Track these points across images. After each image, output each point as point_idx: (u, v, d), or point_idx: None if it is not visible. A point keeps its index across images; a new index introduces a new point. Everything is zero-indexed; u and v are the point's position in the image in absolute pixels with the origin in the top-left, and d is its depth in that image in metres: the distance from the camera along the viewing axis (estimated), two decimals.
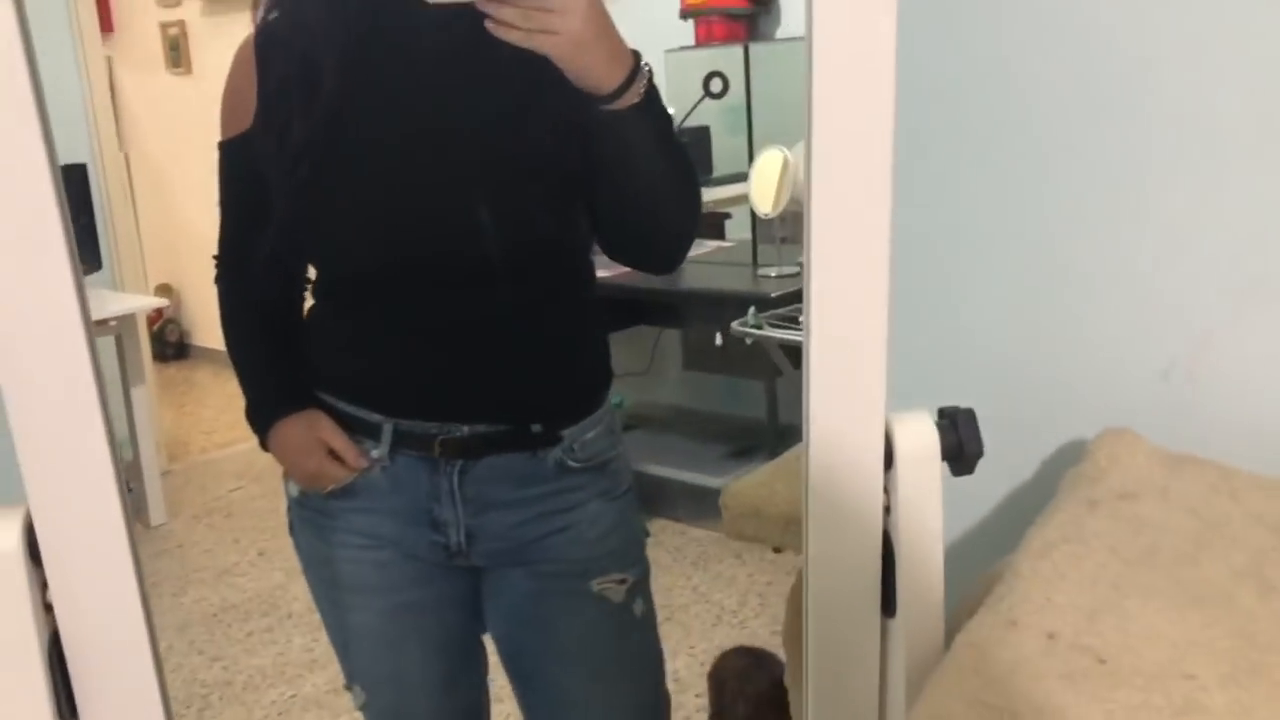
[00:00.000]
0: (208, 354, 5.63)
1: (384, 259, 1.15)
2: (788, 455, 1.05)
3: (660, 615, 1.36)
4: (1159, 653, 0.72)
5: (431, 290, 1.14)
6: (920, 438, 0.78)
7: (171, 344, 5.72)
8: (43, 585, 0.72)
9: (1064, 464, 0.98)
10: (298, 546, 1.31)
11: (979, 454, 0.79)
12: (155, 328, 5.44)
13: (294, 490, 1.28)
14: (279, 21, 1.16)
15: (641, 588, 1.29)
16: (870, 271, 0.75)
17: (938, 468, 0.79)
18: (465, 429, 1.17)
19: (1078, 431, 1.00)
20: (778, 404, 3.20)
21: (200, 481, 4.08)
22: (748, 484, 0.97)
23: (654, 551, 1.34)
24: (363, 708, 1.33)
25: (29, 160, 0.65)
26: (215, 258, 1.28)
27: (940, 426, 0.79)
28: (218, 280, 1.28)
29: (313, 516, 1.26)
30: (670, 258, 1.20)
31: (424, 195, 1.12)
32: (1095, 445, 0.93)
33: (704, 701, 2.49)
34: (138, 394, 3.58)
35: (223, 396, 5.14)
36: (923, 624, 0.80)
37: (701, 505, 3.38)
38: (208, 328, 5.66)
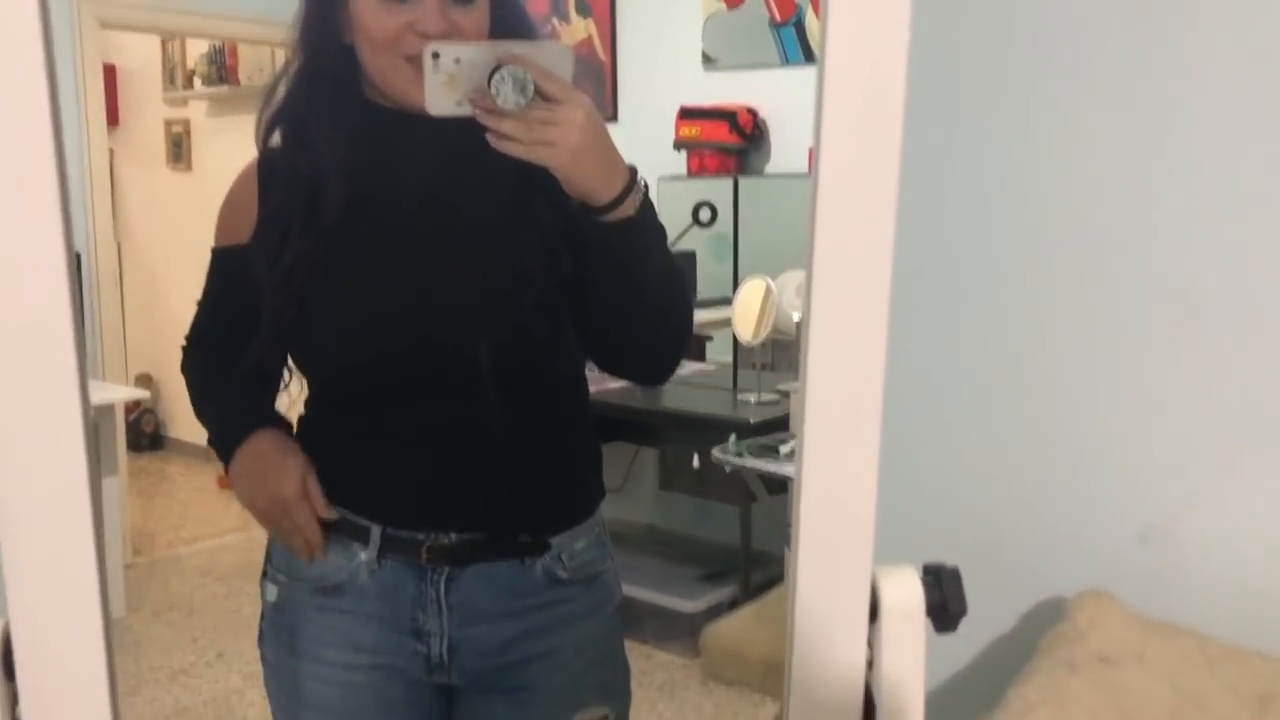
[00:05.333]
0: (182, 447, 5.59)
1: (373, 367, 1.16)
2: (767, 598, 1.05)
3: None
4: None
5: (419, 399, 1.15)
6: (905, 593, 0.79)
7: (147, 434, 5.67)
8: (13, 700, 0.71)
9: (1043, 621, 0.99)
10: (264, 659, 1.27)
11: (962, 612, 0.80)
12: (131, 417, 5.40)
13: (271, 594, 1.25)
14: (283, 143, 1.19)
15: None
16: (863, 434, 0.77)
17: (921, 623, 0.80)
18: (452, 536, 1.17)
19: (1057, 590, 1.01)
20: (751, 530, 3.19)
21: (164, 577, 4.01)
22: (728, 626, 0.97)
23: None
24: None
25: (48, 249, 0.67)
26: (184, 343, 1.29)
27: (925, 583, 0.80)
28: (183, 364, 1.29)
29: (288, 622, 1.23)
30: (660, 369, 1.21)
31: (415, 305, 1.14)
32: (1075, 606, 0.94)
33: None
34: (109, 485, 3.55)
35: (193, 490, 5.08)
36: None
37: (671, 628, 3.34)
38: (185, 420, 5.63)
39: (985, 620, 0.98)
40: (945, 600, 0.79)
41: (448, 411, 1.15)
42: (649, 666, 3.24)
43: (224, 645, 3.41)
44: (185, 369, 1.30)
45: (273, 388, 1.26)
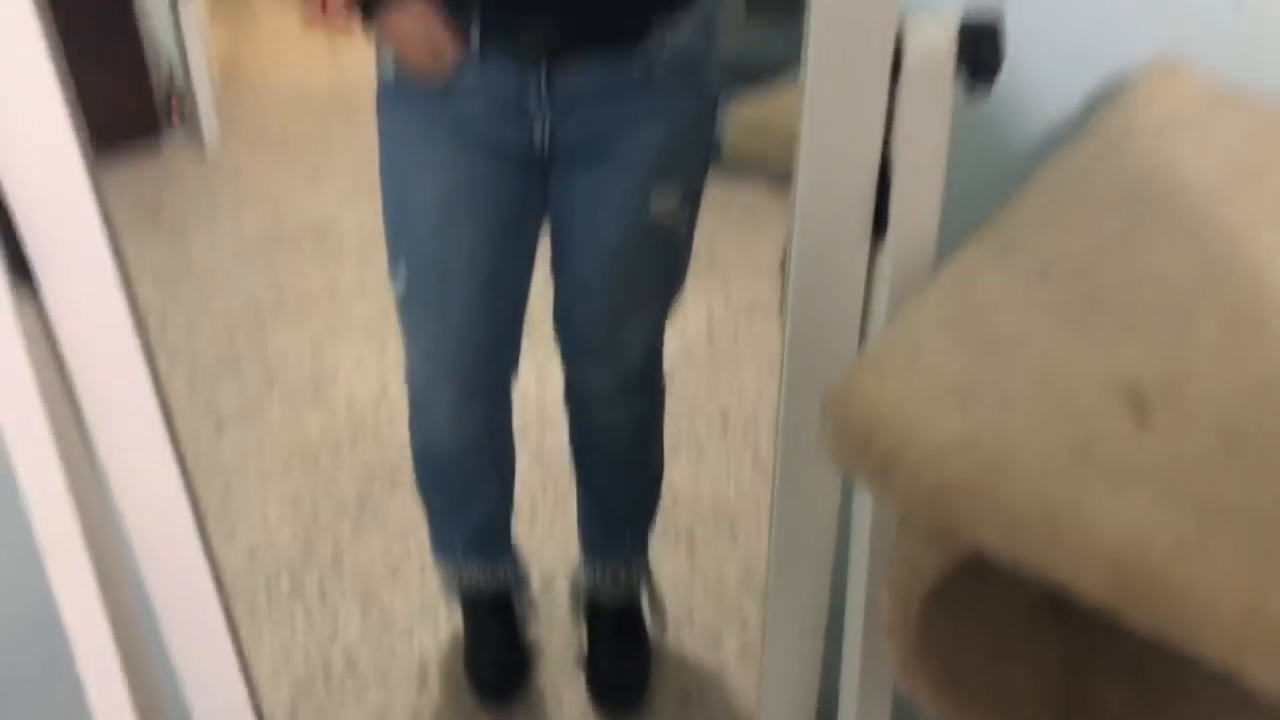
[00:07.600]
0: None
1: None
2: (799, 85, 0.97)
3: (705, 261, 1.38)
4: (1158, 294, 0.67)
5: None
6: (933, 46, 0.70)
7: None
8: None
9: (1109, 94, 0.89)
10: (380, 120, 1.33)
11: (996, 68, 0.71)
12: None
13: (389, 74, 1.29)
14: None
15: (690, 209, 1.33)
16: None
17: (948, 82, 0.71)
18: (551, 26, 1.18)
19: (1129, 60, 0.91)
20: None
21: (255, 106, 4.05)
22: (753, 102, 0.91)
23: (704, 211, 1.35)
24: (403, 298, 1.38)
25: None
26: None
27: (960, 36, 0.70)
28: None
29: (403, 96, 1.28)
30: None
31: None
32: (1141, 77, 0.84)
33: (728, 346, 2.54)
34: (186, 13, 3.47)
35: (277, 30, 5.00)
36: (913, 247, 0.75)
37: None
38: None
39: (1047, 95, 0.89)
40: (979, 52, 0.69)
41: None
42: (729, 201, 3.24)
43: (318, 172, 3.49)
44: None
45: None
